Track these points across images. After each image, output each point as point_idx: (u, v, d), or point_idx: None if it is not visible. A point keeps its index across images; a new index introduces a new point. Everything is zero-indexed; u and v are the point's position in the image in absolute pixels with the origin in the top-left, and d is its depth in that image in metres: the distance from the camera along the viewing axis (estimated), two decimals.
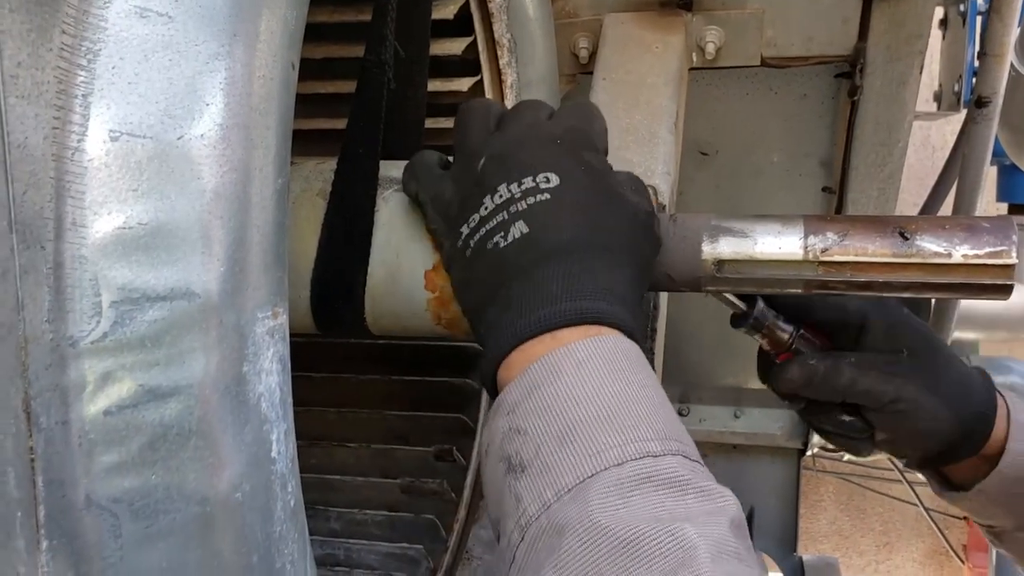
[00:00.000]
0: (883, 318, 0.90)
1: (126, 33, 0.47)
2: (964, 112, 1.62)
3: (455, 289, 0.76)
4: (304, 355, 0.85)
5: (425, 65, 1.03)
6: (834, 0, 1.40)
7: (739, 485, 2.31)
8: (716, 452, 2.32)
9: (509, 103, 1.25)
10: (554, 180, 0.68)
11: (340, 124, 1.01)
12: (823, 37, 1.44)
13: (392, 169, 0.88)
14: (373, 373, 1.24)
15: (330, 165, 0.89)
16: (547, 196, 0.67)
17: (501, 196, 0.68)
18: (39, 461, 0.47)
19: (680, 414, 2.24)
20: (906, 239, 0.78)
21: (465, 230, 0.70)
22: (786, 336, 0.91)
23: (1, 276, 0.44)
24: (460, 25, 1.18)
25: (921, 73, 1.38)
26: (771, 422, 2.22)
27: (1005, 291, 0.78)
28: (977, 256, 0.77)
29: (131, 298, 0.47)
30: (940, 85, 1.95)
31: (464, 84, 1.21)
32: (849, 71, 1.44)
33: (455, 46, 1.18)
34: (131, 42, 0.47)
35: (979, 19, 1.86)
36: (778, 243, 0.80)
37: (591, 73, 1.37)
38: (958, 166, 1.45)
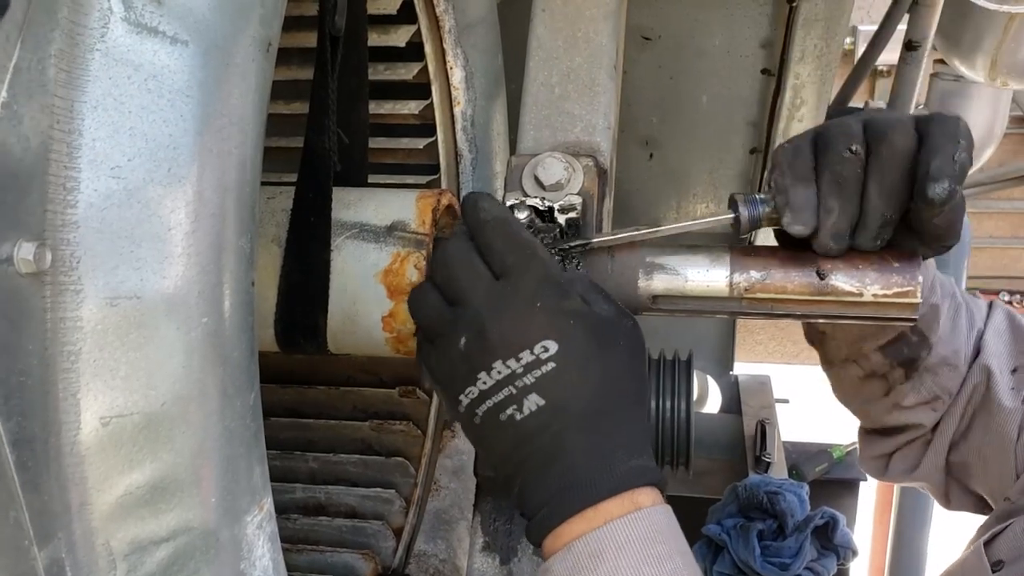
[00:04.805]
0: None
1: (101, 325, 0.51)
2: None
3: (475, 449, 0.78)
4: None
5: (365, 55, 1.03)
6: None
7: None
8: None
9: (448, 48, 1.24)
10: (552, 348, 0.69)
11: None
12: None
13: (342, 209, 0.91)
14: None
15: (281, 203, 0.91)
16: (553, 365, 0.69)
17: (499, 372, 0.69)
18: None
19: None
20: (822, 278, 0.85)
21: (465, 400, 0.72)
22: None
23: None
24: None
25: None
26: None
27: (911, 321, 0.87)
28: (886, 296, 0.84)
29: (140, 547, 0.54)
30: None
31: (402, 36, 1.19)
32: None
33: (392, 3, 1.16)
34: (106, 332, 0.52)
35: None
36: (706, 280, 0.87)
37: None
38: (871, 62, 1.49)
